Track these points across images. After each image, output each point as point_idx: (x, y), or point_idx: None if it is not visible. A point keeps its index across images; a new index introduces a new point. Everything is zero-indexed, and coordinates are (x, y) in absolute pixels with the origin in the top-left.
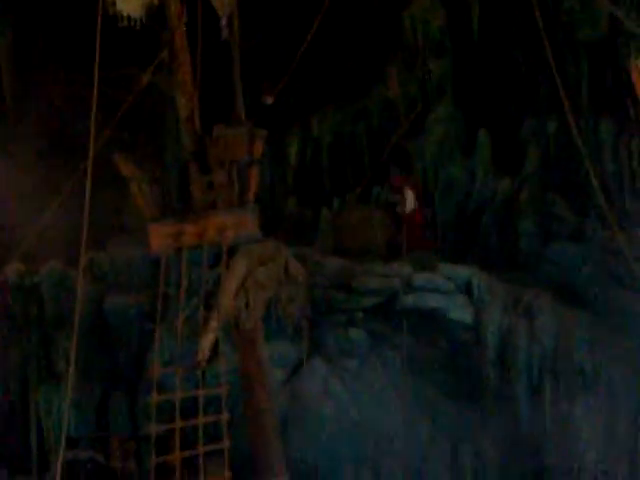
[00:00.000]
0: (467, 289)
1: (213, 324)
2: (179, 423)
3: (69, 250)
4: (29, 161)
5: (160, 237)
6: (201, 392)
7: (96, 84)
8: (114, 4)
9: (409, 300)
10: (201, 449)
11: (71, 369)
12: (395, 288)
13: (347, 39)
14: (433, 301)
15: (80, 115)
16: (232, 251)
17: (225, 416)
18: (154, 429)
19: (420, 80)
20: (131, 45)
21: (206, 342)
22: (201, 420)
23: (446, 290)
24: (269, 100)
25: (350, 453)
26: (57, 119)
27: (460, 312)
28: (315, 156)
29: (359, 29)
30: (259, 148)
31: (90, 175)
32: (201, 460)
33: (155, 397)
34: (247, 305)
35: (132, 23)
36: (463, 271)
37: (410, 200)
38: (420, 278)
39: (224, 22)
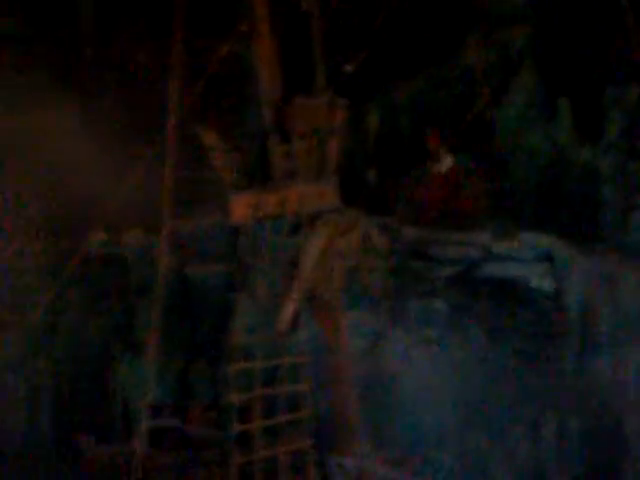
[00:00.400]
0: (548, 257)
1: (294, 294)
2: (260, 392)
3: (151, 219)
4: (110, 130)
5: (241, 207)
6: (282, 361)
7: (178, 53)
8: None
9: (489, 269)
10: (282, 418)
11: (154, 338)
12: (475, 257)
13: (428, 6)
14: (513, 270)
15: (161, 84)
16: (312, 221)
17: (306, 385)
18: (235, 398)
19: (501, 48)
20: (214, 14)
21: (287, 312)
22: (282, 389)
23: (526, 259)
24: (349, 69)
25: (432, 423)
26: (137, 88)
27: (541, 281)
28: (395, 125)
29: None
30: (340, 117)
31: (172, 144)
32: (282, 429)
33: (236, 366)
34: (328, 275)
35: None
36: (543, 240)
37: (446, 161)
38: (500, 246)
39: None
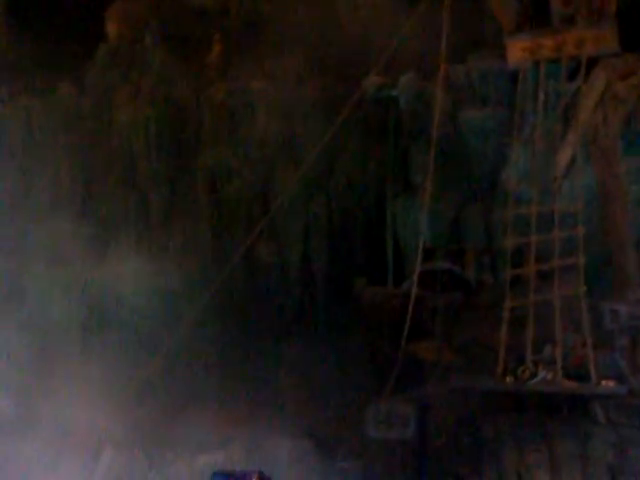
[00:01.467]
0: None
1: (570, 138)
2: (534, 237)
3: (427, 63)
4: None
5: (518, 50)
6: (557, 207)
7: None
8: None
9: None
10: (556, 262)
11: (428, 181)
12: None
13: None
14: None
15: None
16: (591, 65)
17: (581, 230)
18: (510, 242)
19: None
20: None
21: (563, 157)
22: (557, 234)
23: None
24: None
25: None
26: None
27: None
28: None
29: None
30: None
31: None
32: (556, 274)
33: (511, 210)
34: (605, 120)
35: None
36: None
37: None
38: None
39: None
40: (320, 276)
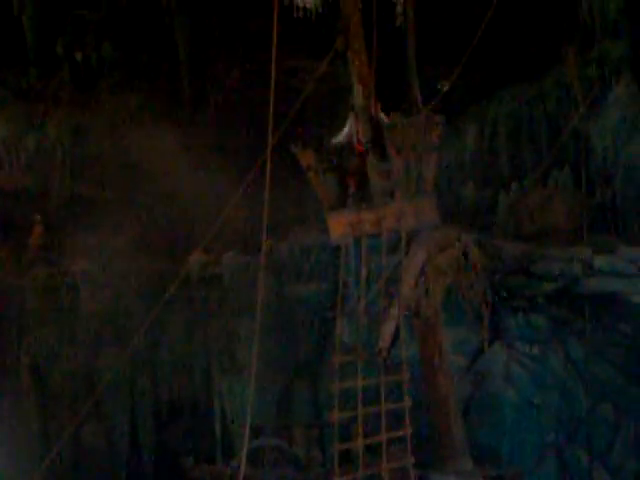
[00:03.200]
0: None
1: (393, 311)
2: (361, 410)
3: (249, 240)
4: (207, 154)
5: (339, 226)
6: (383, 379)
7: (274, 75)
8: None
9: (590, 284)
10: (384, 436)
11: (254, 358)
12: (576, 272)
13: (523, 20)
14: (615, 285)
15: (256, 105)
16: (411, 238)
17: (407, 403)
18: (337, 416)
19: (597, 61)
20: (306, 35)
21: (387, 329)
22: (383, 407)
23: (628, 273)
24: (445, 87)
25: (533, 438)
26: (233, 111)
27: None
28: (492, 140)
29: (535, 10)
30: (437, 134)
31: (269, 164)
32: (384, 446)
33: (337, 385)
34: (427, 292)
35: (307, 14)
36: None
37: None
38: (601, 261)
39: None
40: (148, 456)
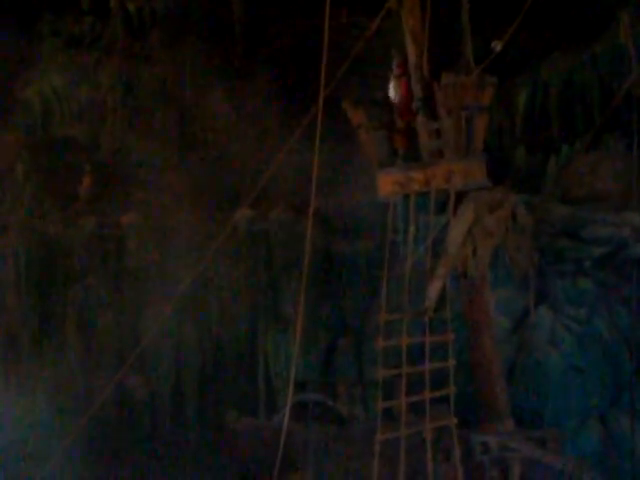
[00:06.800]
0: None
1: (440, 271)
2: (405, 369)
3: (298, 196)
4: (258, 107)
5: (388, 184)
6: (428, 339)
7: (326, 31)
8: None
9: (639, 249)
10: (427, 395)
11: (300, 314)
12: (624, 237)
13: None
14: None
15: (307, 62)
16: (460, 198)
17: (451, 362)
18: (381, 374)
19: None
20: None
21: (433, 289)
22: (427, 366)
23: None
24: (498, 47)
25: (576, 402)
26: (285, 66)
27: None
28: (544, 103)
29: None
30: (488, 95)
31: (320, 121)
32: (427, 406)
33: (382, 343)
34: (474, 252)
35: None
36: None
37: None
38: None
39: None
40: (191, 409)
